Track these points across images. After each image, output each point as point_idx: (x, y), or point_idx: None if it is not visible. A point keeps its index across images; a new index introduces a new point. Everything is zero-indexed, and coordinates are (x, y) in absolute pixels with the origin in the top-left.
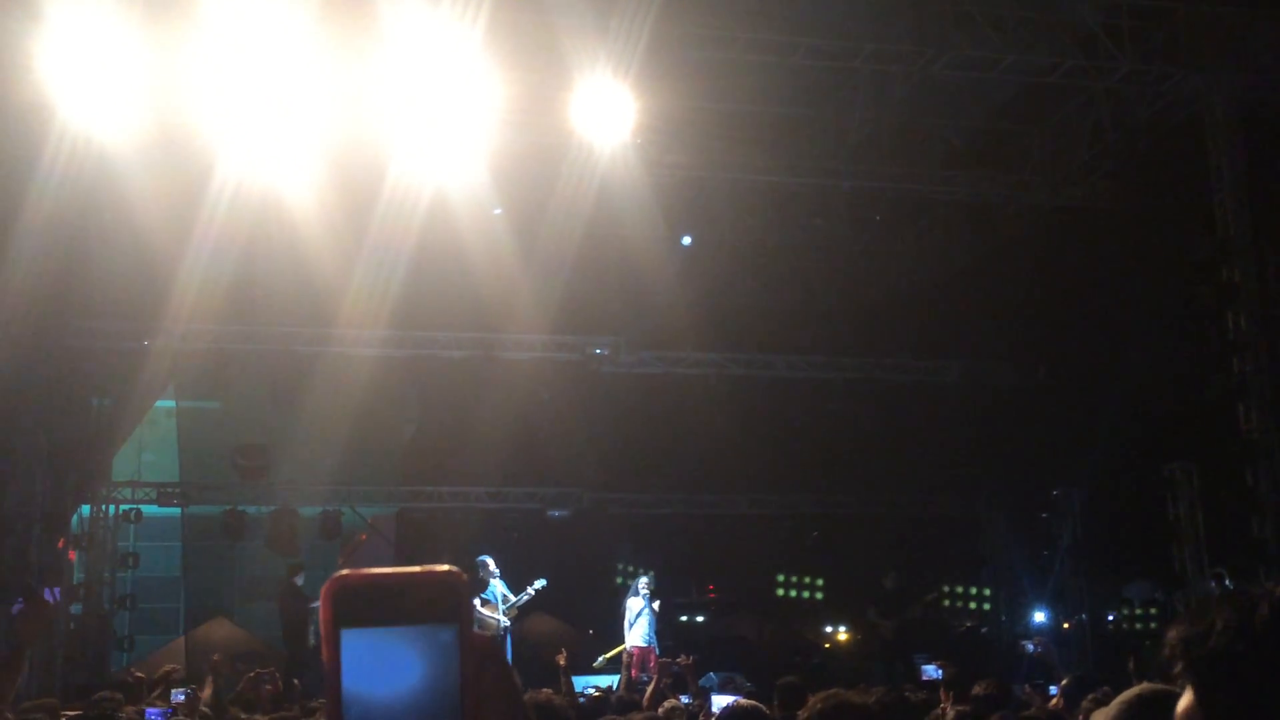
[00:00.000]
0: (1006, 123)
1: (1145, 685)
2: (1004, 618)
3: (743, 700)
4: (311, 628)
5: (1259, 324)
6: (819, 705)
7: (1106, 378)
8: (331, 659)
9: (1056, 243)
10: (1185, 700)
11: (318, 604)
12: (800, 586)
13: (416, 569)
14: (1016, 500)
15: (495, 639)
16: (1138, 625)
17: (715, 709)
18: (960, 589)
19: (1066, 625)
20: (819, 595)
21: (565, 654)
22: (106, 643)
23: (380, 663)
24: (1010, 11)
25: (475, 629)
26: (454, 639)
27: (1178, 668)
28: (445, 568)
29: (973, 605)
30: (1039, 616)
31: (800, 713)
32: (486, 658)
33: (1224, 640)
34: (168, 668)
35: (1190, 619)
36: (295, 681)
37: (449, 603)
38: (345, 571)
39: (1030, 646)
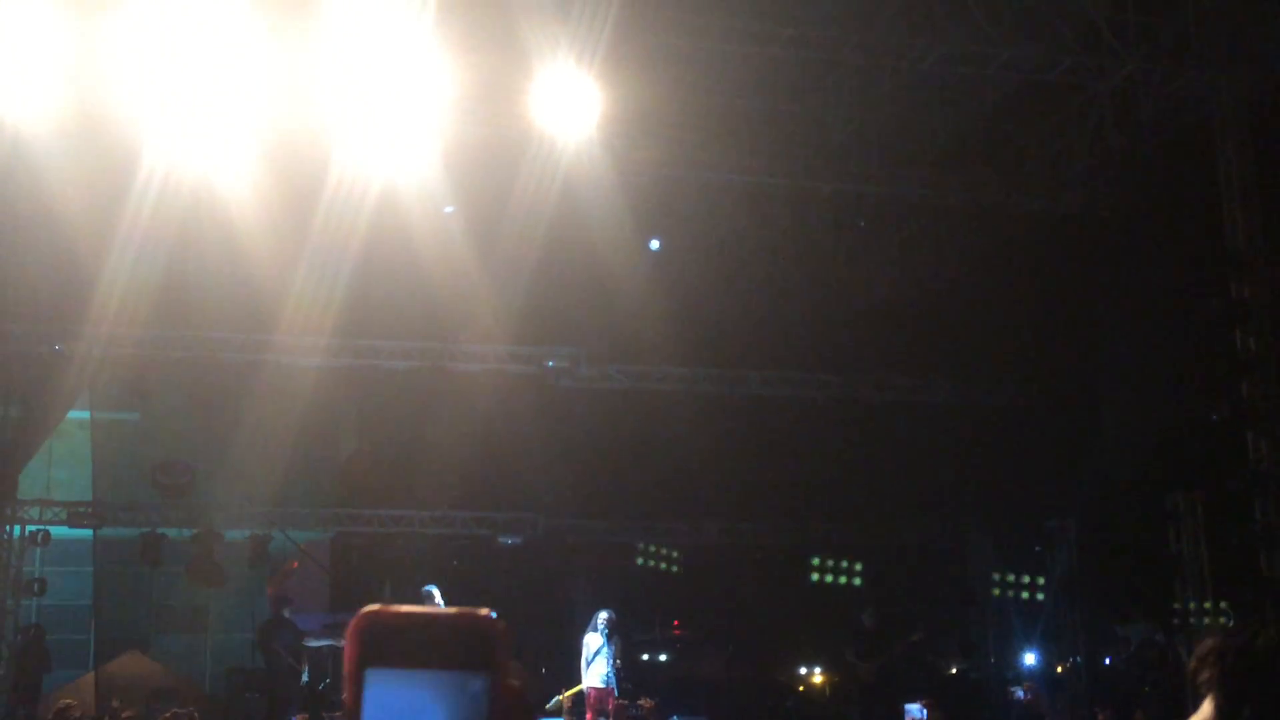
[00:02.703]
0: (1002, 123)
1: None
2: (993, 659)
3: None
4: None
5: (1270, 344)
6: None
7: (1105, 400)
8: (353, 698)
9: (1053, 253)
10: (1204, 711)
11: (321, 642)
12: (837, 571)
13: (453, 610)
14: (1006, 530)
15: (526, 693)
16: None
17: None
18: None
19: (1060, 668)
20: (856, 580)
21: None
22: (21, 673)
23: (404, 706)
24: (1007, 2)
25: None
26: (484, 690)
27: (1204, 675)
28: (484, 612)
29: None
30: (1029, 658)
31: None
32: (516, 713)
33: (1267, 653)
34: (63, 702)
35: (1229, 632)
36: None
37: (483, 650)
38: (376, 607)
39: (1020, 693)
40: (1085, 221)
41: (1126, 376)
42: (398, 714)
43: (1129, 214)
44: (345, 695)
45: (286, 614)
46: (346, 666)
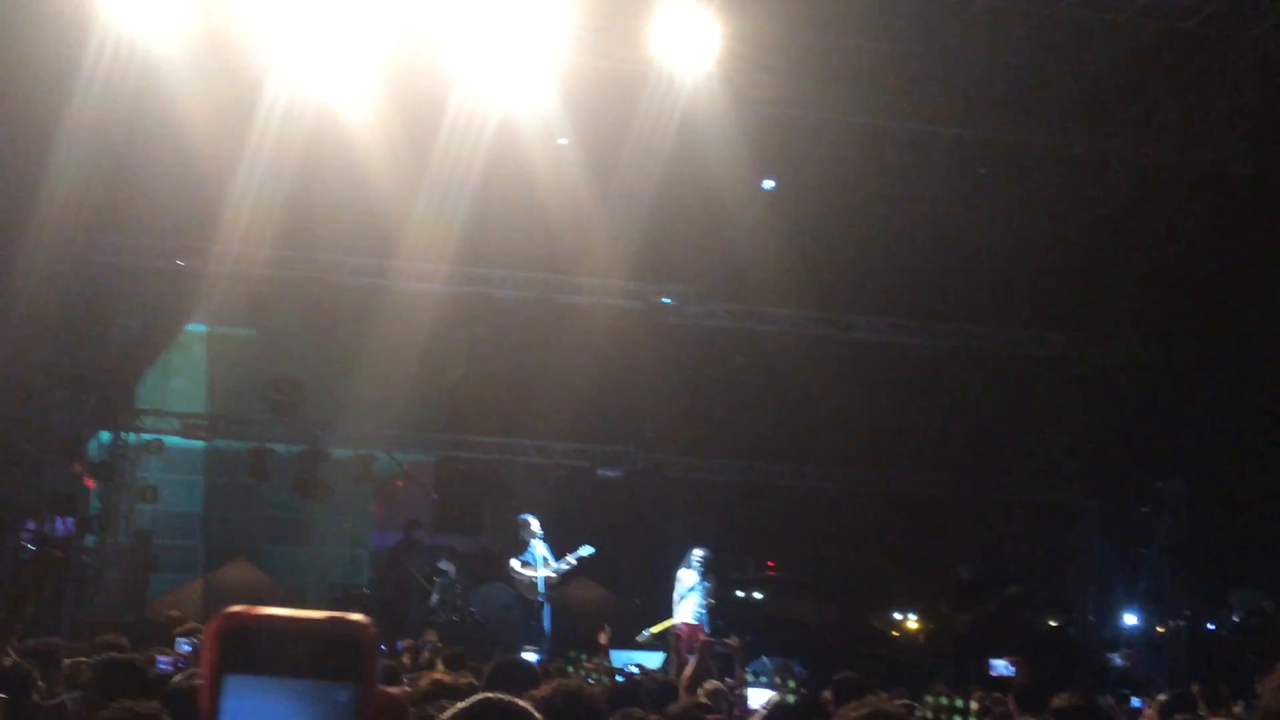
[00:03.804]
0: (1135, 72)
1: None
2: (1092, 617)
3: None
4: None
5: None
6: (859, 716)
7: (1225, 360)
8: (209, 707)
9: (1182, 208)
10: None
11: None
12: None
13: (321, 615)
14: (1114, 490)
15: (400, 701)
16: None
17: (752, 702)
18: None
19: (1161, 629)
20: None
21: (607, 633)
22: (131, 576)
23: (265, 718)
24: None
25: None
26: (351, 701)
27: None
28: (355, 618)
29: None
30: (1130, 619)
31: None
32: None
33: None
34: (172, 614)
35: None
36: None
37: (352, 659)
38: (238, 609)
39: (1118, 660)
40: (1217, 178)
41: (1250, 339)
42: None
43: (1263, 171)
44: (202, 703)
45: (419, 536)
46: (203, 672)
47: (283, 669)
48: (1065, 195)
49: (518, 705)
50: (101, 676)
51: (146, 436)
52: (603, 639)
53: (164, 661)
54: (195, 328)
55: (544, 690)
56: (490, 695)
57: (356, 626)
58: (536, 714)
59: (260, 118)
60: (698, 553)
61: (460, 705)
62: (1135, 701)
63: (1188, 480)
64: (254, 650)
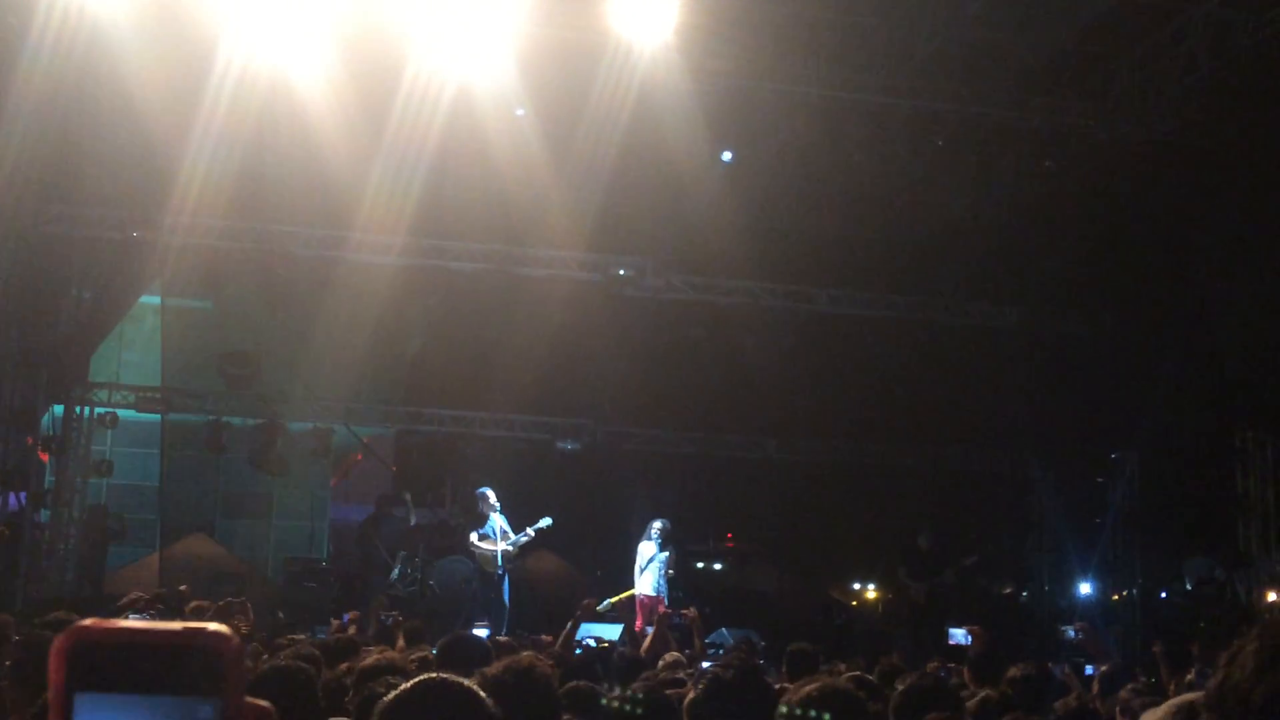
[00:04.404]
0: (1092, 45)
1: (1197, 696)
2: (1047, 587)
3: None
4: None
5: None
6: (807, 691)
7: (1181, 332)
8: None
9: (1139, 180)
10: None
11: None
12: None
13: (178, 627)
14: (1071, 461)
15: (270, 712)
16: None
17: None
18: None
19: (1116, 598)
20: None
21: (588, 605)
22: (88, 550)
23: None
24: None
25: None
26: (214, 716)
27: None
28: (214, 628)
29: None
30: (1085, 588)
31: (788, 698)
32: None
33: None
34: (134, 595)
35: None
36: (280, 614)
37: (213, 672)
38: (88, 623)
39: (1071, 632)
40: (1173, 150)
41: (1207, 311)
42: None
43: (1218, 144)
44: None
45: (392, 511)
46: (51, 692)
47: (138, 685)
48: (1022, 167)
49: (460, 686)
50: (23, 657)
51: (100, 410)
52: (579, 609)
53: None
54: (149, 299)
55: (494, 669)
56: (433, 676)
57: (216, 637)
58: (481, 693)
59: (213, 86)
60: (657, 525)
61: (403, 686)
62: (1089, 669)
63: (1142, 451)
64: (106, 667)
